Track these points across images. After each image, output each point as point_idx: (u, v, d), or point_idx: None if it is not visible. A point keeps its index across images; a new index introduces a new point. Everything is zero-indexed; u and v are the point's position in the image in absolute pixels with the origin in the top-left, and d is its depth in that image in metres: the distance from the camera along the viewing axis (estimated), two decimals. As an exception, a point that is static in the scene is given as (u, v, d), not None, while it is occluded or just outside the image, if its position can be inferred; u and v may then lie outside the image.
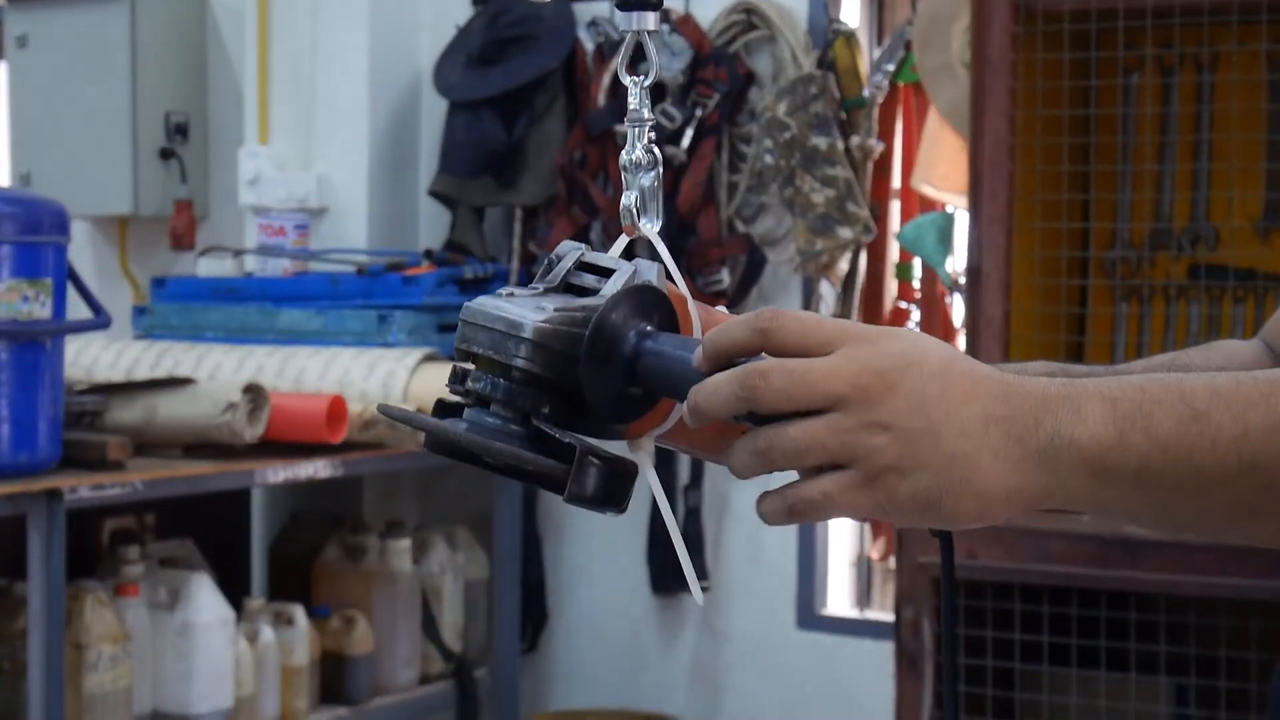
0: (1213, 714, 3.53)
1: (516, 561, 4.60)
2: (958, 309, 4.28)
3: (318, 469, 4.01)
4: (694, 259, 4.48)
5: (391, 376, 4.09)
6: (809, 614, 4.60)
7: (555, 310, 1.16)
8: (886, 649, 3.63)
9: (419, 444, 4.06)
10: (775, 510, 1.15)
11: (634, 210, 1.30)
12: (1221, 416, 1.10)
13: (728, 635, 4.70)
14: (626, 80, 1.29)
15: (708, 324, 1.24)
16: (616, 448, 1.21)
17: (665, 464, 4.64)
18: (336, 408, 3.96)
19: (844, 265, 4.36)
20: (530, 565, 4.76)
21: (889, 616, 3.74)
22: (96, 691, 3.66)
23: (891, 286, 4.49)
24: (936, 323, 4.37)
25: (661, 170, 1.30)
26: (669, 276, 1.24)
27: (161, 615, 3.90)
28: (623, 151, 1.30)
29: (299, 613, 4.16)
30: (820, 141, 4.27)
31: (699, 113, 4.47)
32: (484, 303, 1.19)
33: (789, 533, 4.59)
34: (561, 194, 4.60)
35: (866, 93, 4.33)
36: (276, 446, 3.95)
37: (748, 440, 1.14)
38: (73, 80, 4.97)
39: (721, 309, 1.32)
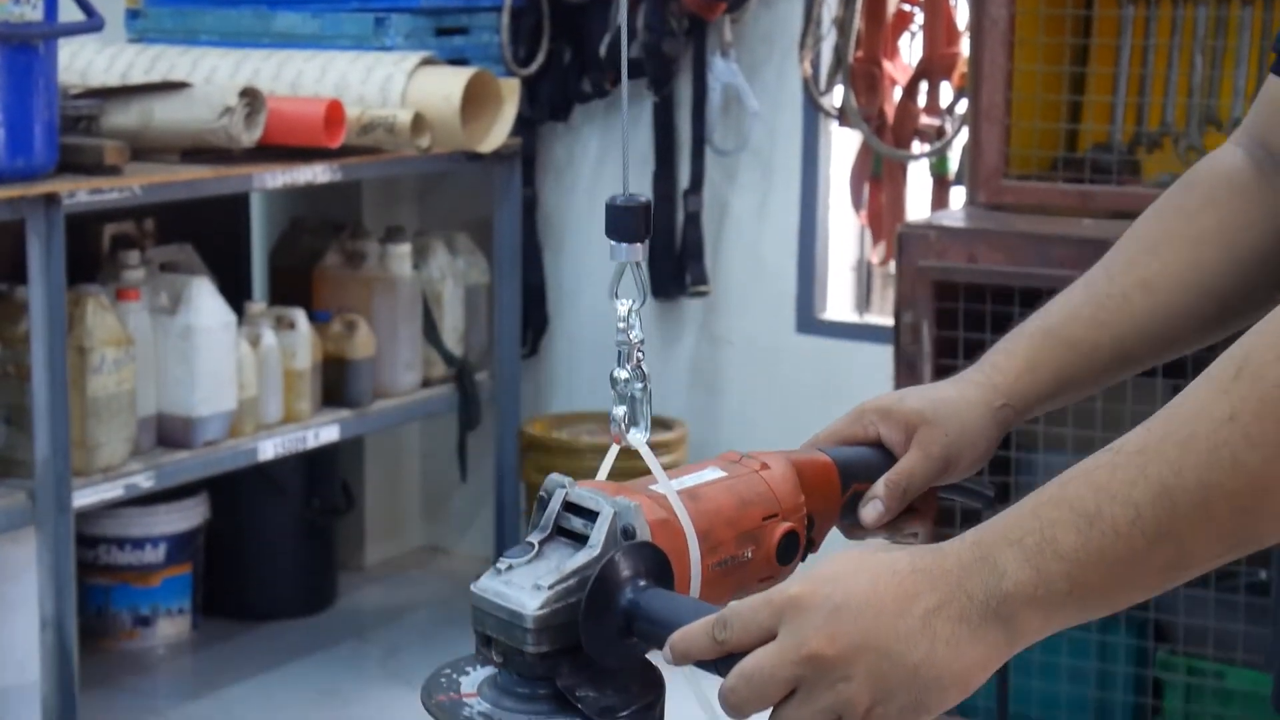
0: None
1: (517, 267, 4.60)
2: (962, 11, 4.23)
3: (316, 174, 3.99)
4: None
5: (389, 80, 4.06)
6: (809, 318, 4.61)
7: (550, 589, 1.27)
8: (886, 353, 3.64)
9: (418, 149, 4.04)
10: None
11: (623, 423, 1.43)
12: (1111, 509, 1.19)
13: (727, 340, 4.72)
14: (615, 303, 1.41)
15: (696, 517, 1.35)
16: None
17: (665, 173, 4.62)
18: (334, 111, 3.93)
19: (847, -34, 4.29)
20: (530, 271, 4.76)
21: (889, 321, 3.75)
22: (100, 394, 3.69)
23: (895, -12, 4.43)
24: (939, 25, 4.32)
25: (650, 386, 1.44)
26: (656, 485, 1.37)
27: (163, 319, 3.92)
28: (613, 369, 1.42)
29: (300, 317, 4.19)
30: None
31: None
32: (485, 588, 1.29)
33: (789, 237, 4.59)
34: (560, -106, 4.52)
35: None
36: (274, 151, 3.93)
37: None
38: None
39: (709, 473, 1.42)
